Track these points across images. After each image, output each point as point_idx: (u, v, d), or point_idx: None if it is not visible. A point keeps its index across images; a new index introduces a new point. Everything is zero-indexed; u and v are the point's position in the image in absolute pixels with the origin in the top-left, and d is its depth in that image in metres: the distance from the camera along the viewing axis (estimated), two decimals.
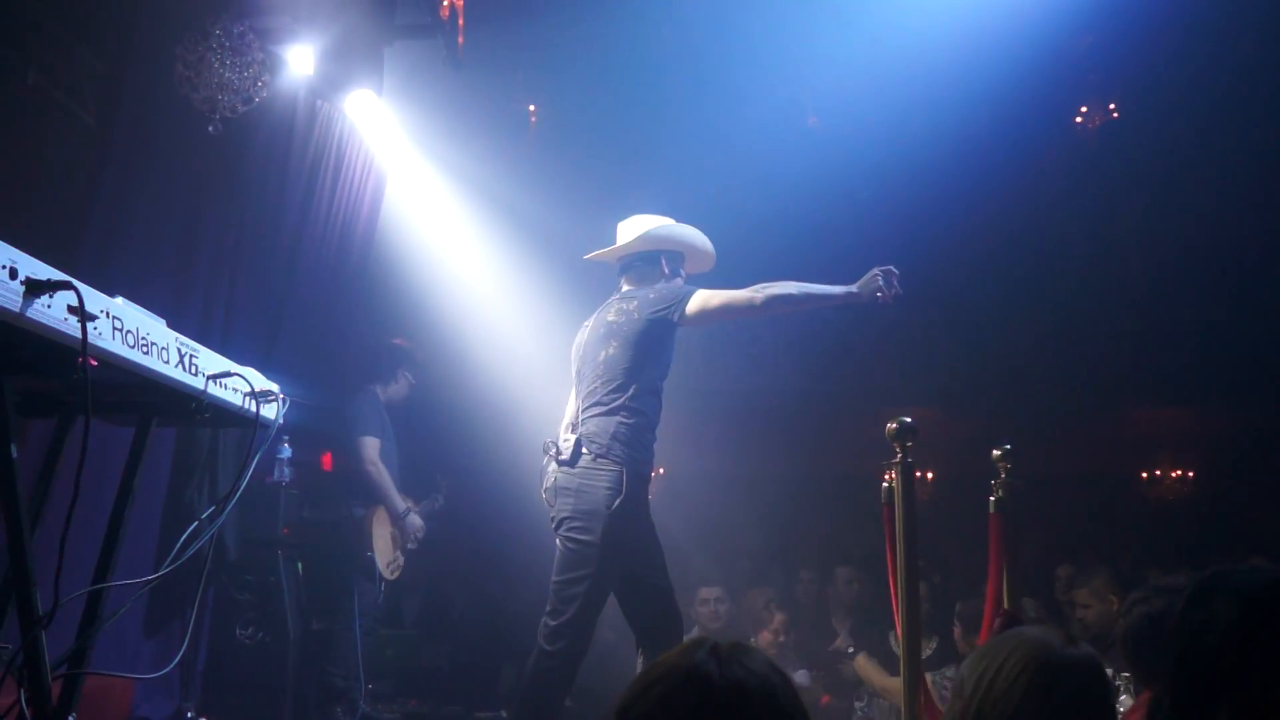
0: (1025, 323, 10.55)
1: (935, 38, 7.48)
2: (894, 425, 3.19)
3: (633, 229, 4.23)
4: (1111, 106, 9.73)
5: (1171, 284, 10.48)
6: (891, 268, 3.89)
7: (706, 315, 3.94)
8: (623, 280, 4.26)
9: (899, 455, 3.17)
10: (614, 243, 4.30)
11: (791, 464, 10.71)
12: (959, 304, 10.55)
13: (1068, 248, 10.60)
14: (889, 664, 5.52)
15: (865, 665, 5.53)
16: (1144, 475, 11.68)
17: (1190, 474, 11.50)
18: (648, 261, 4.21)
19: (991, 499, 3.71)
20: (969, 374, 10.52)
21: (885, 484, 3.26)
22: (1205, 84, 8.70)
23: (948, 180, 9.09)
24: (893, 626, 5.32)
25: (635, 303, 4.03)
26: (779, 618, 6.13)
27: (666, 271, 4.21)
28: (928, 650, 5.21)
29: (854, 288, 3.91)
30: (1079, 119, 9.84)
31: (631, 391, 3.93)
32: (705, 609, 6.11)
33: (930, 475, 10.47)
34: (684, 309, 3.93)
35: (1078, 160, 9.96)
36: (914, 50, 7.57)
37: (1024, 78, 8.33)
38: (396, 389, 6.13)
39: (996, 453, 3.76)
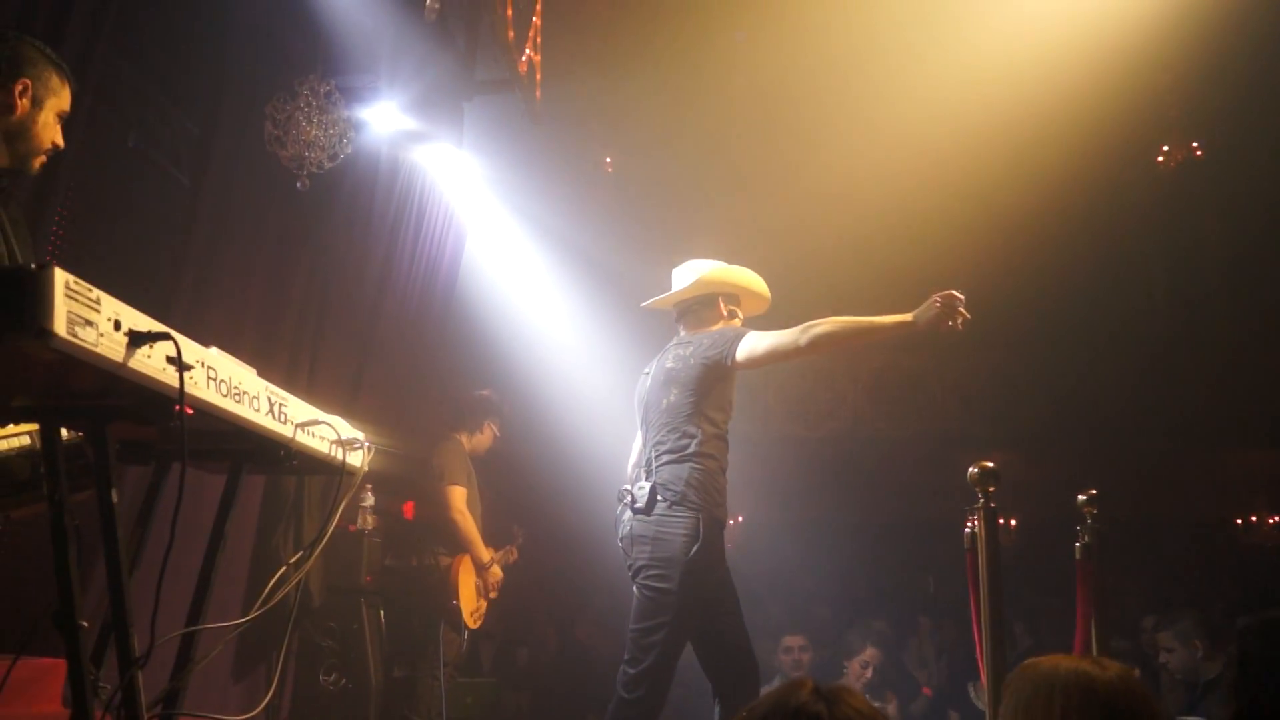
0: (1110, 364, 10.31)
1: (1013, 75, 7.43)
2: (976, 470, 3.12)
3: (688, 274, 4.23)
4: (1195, 144, 9.54)
5: (1262, 323, 10.17)
6: (954, 292, 3.63)
7: (755, 359, 3.89)
8: (680, 326, 4.26)
9: (982, 500, 3.12)
10: (670, 289, 4.30)
11: (870, 511, 10.57)
12: (1040, 346, 10.36)
13: (1152, 287, 10.38)
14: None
15: None
16: (1238, 521, 11.27)
17: None
18: (705, 304, 4.20)
19: (1078, 545, 3.63)
20: (1052, 418, 10.30)
21: (968, 529, 3.20)
22: None
23: (1027, 220, 8.98)
24: (973, 677, 5.21)
25: (691, 348, 4.03)
26: (870, 650, 5.98)
27: (725, 313, 4.19)
28: None
29: (909, 317, 3.70)
30: (1160, 158, 9.66)
31: (700, 437, 3.91)
32: (788, 657, 6.04)
33: (1014, 522, 10.24)
34: (734, 353, 3.89)
35: (1161, 199, 9.77)
36: (992, 88, 7.53)
37: (1103, 115, 8.22)
38: (480, 439, 6.17)
39: (1082, 498, 3.69)
